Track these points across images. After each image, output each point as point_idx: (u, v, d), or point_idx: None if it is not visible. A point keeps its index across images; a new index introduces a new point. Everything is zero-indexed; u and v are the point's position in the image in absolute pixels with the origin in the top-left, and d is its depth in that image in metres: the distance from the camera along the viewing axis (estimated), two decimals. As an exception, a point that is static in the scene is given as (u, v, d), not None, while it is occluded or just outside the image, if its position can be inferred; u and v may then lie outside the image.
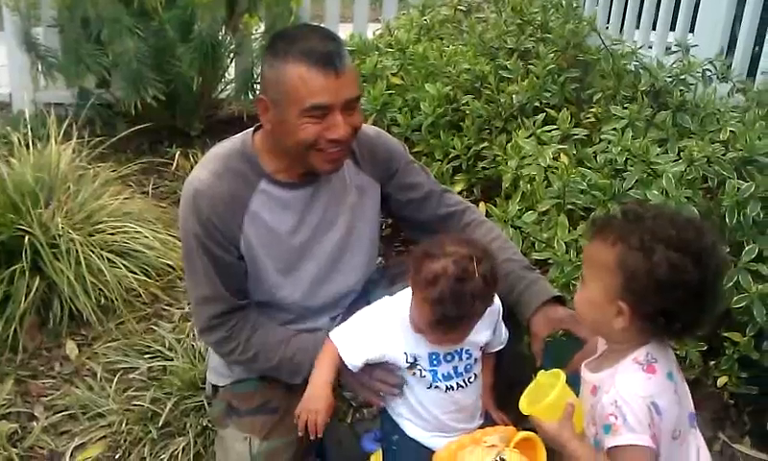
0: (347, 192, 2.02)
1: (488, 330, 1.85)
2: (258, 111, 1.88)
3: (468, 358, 1.83)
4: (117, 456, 2.35)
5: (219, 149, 1.99)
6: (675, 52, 3.27)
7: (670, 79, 3.03)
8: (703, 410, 2.51)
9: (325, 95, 1.78)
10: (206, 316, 1.96)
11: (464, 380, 1.83)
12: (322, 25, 4.67)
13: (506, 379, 2.04)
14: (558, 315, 1.90)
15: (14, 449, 2.35)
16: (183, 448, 2.34)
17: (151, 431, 2.38)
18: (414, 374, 1.82)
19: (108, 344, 2.78)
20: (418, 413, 1.86)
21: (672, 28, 3.85)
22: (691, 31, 3.65)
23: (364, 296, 2.13)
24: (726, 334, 2.33)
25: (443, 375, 1.82)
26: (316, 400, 1.79)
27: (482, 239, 2.07)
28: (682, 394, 1.57)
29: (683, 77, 3.05)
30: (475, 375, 1.86)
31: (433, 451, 1.84)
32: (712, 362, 2.37)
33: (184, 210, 1.94)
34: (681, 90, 2.97)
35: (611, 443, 1.47)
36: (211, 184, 1.91)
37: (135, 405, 2.48)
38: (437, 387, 1.82)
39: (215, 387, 2.16)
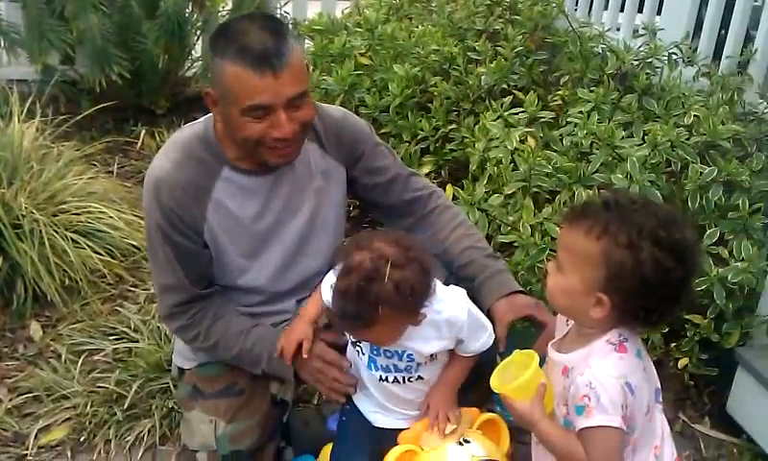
0: (311, 177, 2.01)
1: (440, 342, 1.77)
2: (207, 104, 1.86)
3: (408, 361, 1.79)
4: (82, 438, 2.33)
5: (181, 135, 1.97)
6: (642, 35, 3.28)
7: (637, 62, 3.06)
8: (664, 391, 2.54)
9: (263, 96, 1.74)
10: (168, 304, 1.97)
11: (402, 378, 1.82)
12: (285, 6, 4.64)
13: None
14: (521, 301, 1.91)
15: (-23, 432, 2.33)
16: (149, 430, 2.34)
17: (116, 413, 2.37)
18: (356, 350, 1.85)
19: (73, 325, 2.75)
20: (362, 387, 1.89)
21: (640, 10, 3.87)
22: (659, 13, 3.66)
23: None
24: (687, 317, 2.37)
25: (381, 365, 1.82)
26: (295, 331, 1.87)
27: (446, 225, 2.09)
28: (649, 370, 1.60)
29: (649, 60, 3.07)
30: (420, 377, 1.82)
31: (375, 426, 1.88)
32: (673, 344, 2.40)
33: (147, 199, 1.93)
34: (647, 74, 2.99)
35: (583, 424, 1.49)
36: (172, 174, 1.89)
37: (100, 387, 2.46)
38: (371, 373, 1.84)
39: (181, 369, 2.15)
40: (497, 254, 2.08)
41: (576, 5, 4.19)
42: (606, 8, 4.03)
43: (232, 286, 2.01)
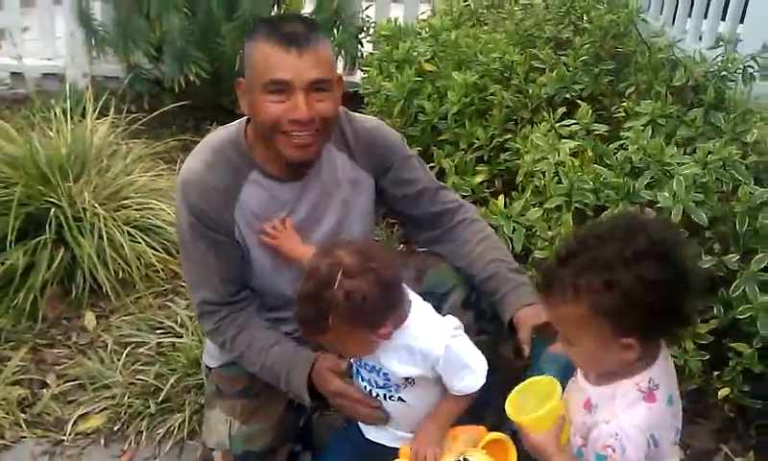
0: (338, 186, 2.02)
1: (414, 368, 1.72)
2: (238, 94, 1.90)
3: (386, 379, 1.77)
4: (116, 428, 2.42)
5: (212, 138, 2.01)
6: (721, 46, 3.12)
7: (708, 74, 2.91)
8: (706, 420, 2.43)
9: (285, 71, 1.79)
10: (199, 301, 2.01)
11: (384, 395, 1.80)
12: (370, 5, 4.67)
13: (486, 382, 2.02)
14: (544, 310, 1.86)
15: (23, 415, 2.44)
16: (179, 425, 2.40)
17: (150, 406, 2.45)
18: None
19: (124, 317, 2.86)
20: None
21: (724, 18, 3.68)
22: (742, 22, 3.48)
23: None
24: (731, 345, 2.24)
25: (364, 377, 1.81)
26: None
27: (471, 238, 2.06)
28: (676, 412, 1.53)
29: (721, 73, 2.92)
30: (401, 399, 1.79)
31: (369, 441, 1.89)
32: (716, 373, 2.28)
33: (178, 200, 1.99)
34: (718, 87, 2.85)
35: None
36: (202, 175, 1.94)
37: (140, 380, 2.55)
38: (359, 383, 1.84)
39: (208, 368, 2.20)
40: (522, 269, 2.03)
41: (660, 12, 4.03)
42: (690, 15, 3.85)
43: (258, 289, 2.04)
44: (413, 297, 1.75)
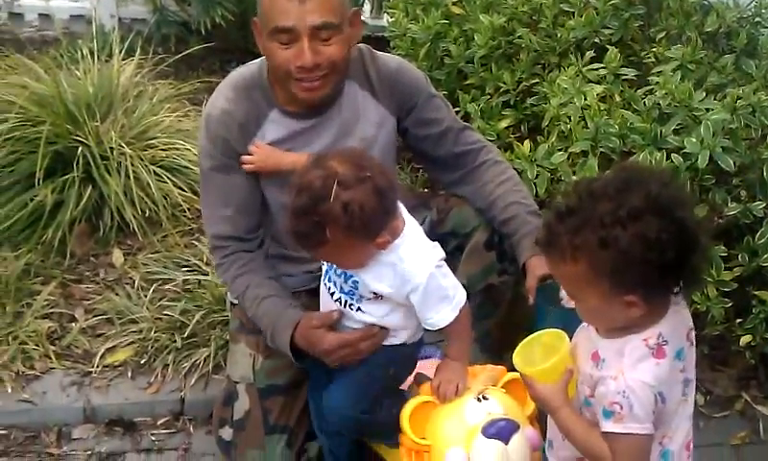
0: (358, 123, 2.02)
1: (388, 288, 1.70)
2: (255, 35, 1.91)
3: (352, 287, 1.74)
4: (143, 361, 2.48)
5: (235, 75, 2.03)
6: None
7: (741, 20, 2.86)
8: (727, 367, 2.44)
9: (287, 18, 1.78)
10: (211, 234, 2.05)
11: (344, 301, 1.78)
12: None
13: (506, 320, 2.04)
14: None
15: (52, 347, 2.51)
16: (205, 359, 2.45)
17: (176, 340, 2.49)
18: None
19: (151, 255, 2.90)
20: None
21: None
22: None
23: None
24: (755, 292, 2.23)
25: (332, 278, 1.79)
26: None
27: (493, 179, 2.06)
28: (688, 365, 1.51)
29: (755, 19, 2.87)
30: (360, 309, 1.76)
31: None
32: (739, 320, 2.27)
33: (201, 134, 2.02)
34: (751, 33, 2.80)
35: (611, 428, 1.44)
36: (226, 111, 1.96)
37: (166, 315, 2.60)
38: (324, 286, 1.83)
39: (232, 304, 2.23)
40: (541, 212, 2.03)
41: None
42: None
43: (275, 231, 2.06)
44: (406, 216, 1.72)
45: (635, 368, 1.42)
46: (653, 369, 1.42)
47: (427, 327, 1.77)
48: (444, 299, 1.70)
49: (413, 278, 1.66)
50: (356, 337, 1.79)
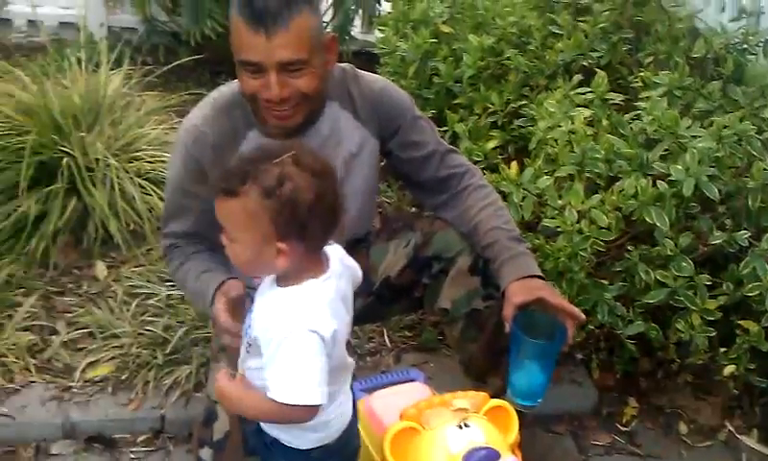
0: (340, 145, 2.01)
1: (259, 332, 1.49)
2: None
3: (247, 330, 1.56)
4: (124, 377, 2.45)
5: (217, 93, 2.02)
6: (743, 18, 3.08)
7: (729, 46, 2.87)
8: (711, 396, 2.45)
9: (254, 53, 1.76)
10: (163, 233, 2.08)
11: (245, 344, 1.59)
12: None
13: (490, 345, 2.04)
14: (535, 284, 1.87)
15: (33, 360, 2.48)
16: (186, 377, 2.42)
17: (158, 357, 2.47)
18: None
19: (134, 268, 2.88)
20: None
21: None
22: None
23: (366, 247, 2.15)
24: (739, 322, 2.24)
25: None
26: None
27: (475, 204, 2.06)
28: None
29: (743, 46, 2.88)
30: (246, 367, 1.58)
31: None
32: (723, 350, 2.28)
33: (174, 147, 2.04)
34: (738, 60, 2.81)
35: None
36: (202, 128, 1.95)
37: (148, 330, 2.57)
38: None
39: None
40: (523, 238, 2.05)
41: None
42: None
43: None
44: (327, 284, 1.51)
45: None
46: None
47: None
48: (283, 372, 1.43)
49: (271, 326, 1.45)
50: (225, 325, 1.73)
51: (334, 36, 1.92)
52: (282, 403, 1.43)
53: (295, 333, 1.42)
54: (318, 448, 1.60)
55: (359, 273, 1.66)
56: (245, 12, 1.75)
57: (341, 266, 1.56)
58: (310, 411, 1.46)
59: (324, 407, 1.49)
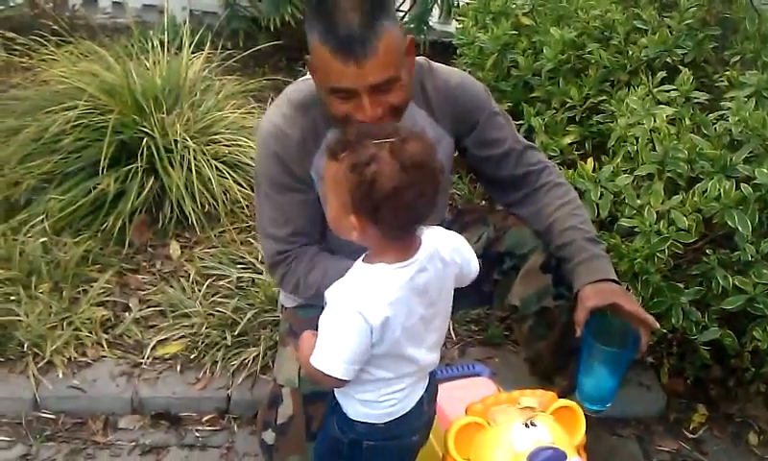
0: None
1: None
2: (309, 71, 1.85)
3: None
4: (193, 356, 2.49)
5: (294, 90, 1.99)
6: None
7: (822, 48, 2.76)
8: None
9: (346, 81, 1.69)
10: (272, 252, 1.99)
11: None
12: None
13: (559, 345, 2.00)
14: (608, 288, 1.82)
15: (105, 335, 2.54)
16: (254, 359, 2.45)
17: (227, 338, 2.51)
18: None
19: (207, 250, 2.93)
20: None
21: None
22: None
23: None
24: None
25: None
26: None
27: (552, 202, 2.01)
28: None
29: (838, 47, 2.76)
30: None
31: None
32: None
33: (258, 150, 1.99)
34: (834, 62, 2.70)
35: None
36: (284, 128, 1.91)
37: (218, 311, 2.61)
38: None
39: (284, 306, 2.23)
40: (599, 239, 1.99)
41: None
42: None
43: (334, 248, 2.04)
44: (416, 261, 1.53)
45: None
46: None
47: None
48: (322, 338, 1.51)
49: (335, 295, 1.50)
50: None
51: (412, 38, 1.87)
52: (310, 363, 1.53)
53: (341, 308, 1.48)
54: (363, 423, 1.64)
55: (471, 267, 1.68)
56: (329, 40, 1.67)
57: (431, 259, 1.55)
58: (332, 381, 1.53)
59: (362, 384, 1.57)
